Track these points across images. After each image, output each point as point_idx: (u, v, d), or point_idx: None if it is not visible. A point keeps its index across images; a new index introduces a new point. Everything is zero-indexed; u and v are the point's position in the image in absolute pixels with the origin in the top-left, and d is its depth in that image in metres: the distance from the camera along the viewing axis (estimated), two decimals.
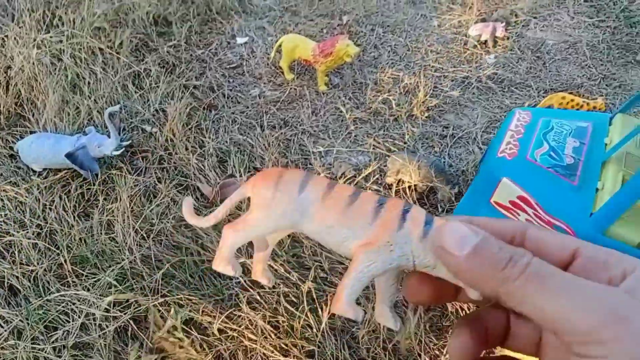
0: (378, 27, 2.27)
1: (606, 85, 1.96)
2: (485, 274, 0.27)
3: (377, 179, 1.61)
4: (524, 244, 0.30)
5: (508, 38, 2.20)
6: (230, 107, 1.84)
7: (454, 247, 0.28)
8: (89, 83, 1.82)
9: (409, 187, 1.54)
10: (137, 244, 1.37)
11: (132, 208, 1.44)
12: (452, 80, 2.01)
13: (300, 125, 1.78)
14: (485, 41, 2.17)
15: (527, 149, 1.10)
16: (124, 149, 1.53)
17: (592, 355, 0.25)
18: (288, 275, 1.28)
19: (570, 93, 1.92)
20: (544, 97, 1.90)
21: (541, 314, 0.26)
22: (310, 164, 1.61)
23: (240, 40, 2.16)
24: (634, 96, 1.14)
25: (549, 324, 0.26)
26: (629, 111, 1.22)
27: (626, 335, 0.24)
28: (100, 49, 1.97)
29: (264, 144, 1.66)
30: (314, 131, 1.77)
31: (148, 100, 1.81)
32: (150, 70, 1.91)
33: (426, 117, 1.85)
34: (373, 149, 1.71)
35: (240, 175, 1.53)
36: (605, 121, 1.17)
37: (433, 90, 1.96)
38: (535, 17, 2.30)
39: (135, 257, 1.33)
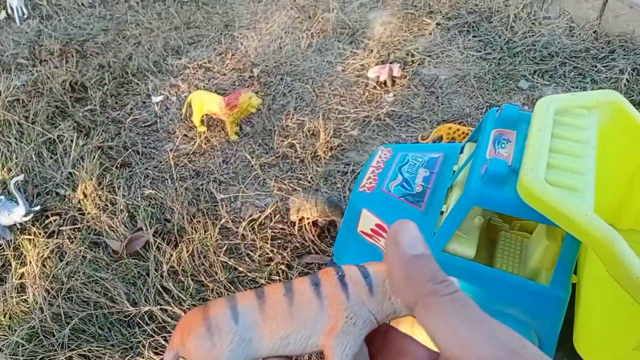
0: (287, 76, 2.44)
1: None
2: (419, 279, 0.28)
3: (282, 217, 1.73)
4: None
5: (405, 77, 2.40)
6: (143, 164, 1.95)
7: (406, 244, 0.29)
8: (3, 153, 1.90)
9: (310, 223, 1.66)
10: (48, 303, 1.44)
11: (43, 269, 1.52)
12: (354, 121, 2.18)
13: (210, 175, 1.91)
14: (385, 81, 2.36)
15: (384, 182, 1.24)
16: (33, 214, 1.61)
17: None
18: None
19: (460, 123, 2.11)
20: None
21: (450, 334, 0.26)
22: (216, 210, 1.73)
23: (155, 99, 2.29)
24: (477, 127, 1.31)
25: (454, 348, 0.26)
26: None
27: None
28: (15, 120, 2.06)
29: (174, 196, 1.77)
30: (224, 179, 1.90)
31: (62, 164, 1.90)
32: (64, 137, 2.01)
33: (329, 156, 2.00)
34: (279, 190, 1.84)
35: (149, 228, 1.63)
36: (456, 150, 1.34)
37: (336, 131, 2.12)
38: (429, 56, 2.52)
39: (45, 315, 1.40)
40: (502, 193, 1.02)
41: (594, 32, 2.42)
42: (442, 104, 2.25)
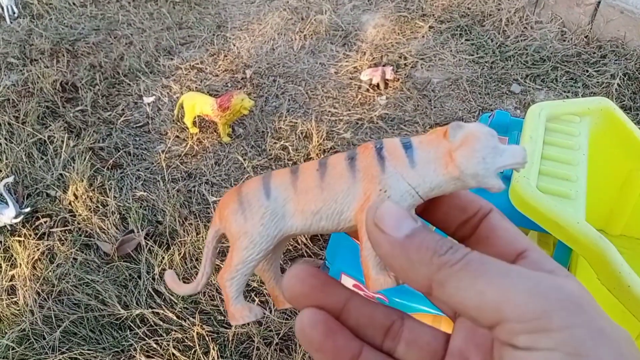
0: (279, 78, 2.44)
1: None
2: (422, 258, 0.24)
3: None
4: (479, 226, 0.29)
5: (398, 80, 2.40)
6: (135, 165, 1.94)
7: (391, 227, 0.25)
8: None
9: None
10: (38, 306, 1.43)
11: (33, 271, 1.50)
12: (347, 123, 2.19)
13: (202, 176, 1.90)
14: (377, 84, 2.37)
15: None
16: (24, 216, 1.60)
17: (535, 347, 0.22)
18: (182, 322, 1.37)
19: None
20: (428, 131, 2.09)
21: (479, 299, 0.22)
22: (208, 213, 1.72)
23: (147, 99, 2.28)
24: None
25: (488, 312, 0.22)
26: None
27: (578, 325, 0.21)
28: (5, 121, 2.04)
29: (165, 197, 1.76)
30: (216, 180, 1.89)
31: (53, 165, 1.88)
32: (55, 137, 1.99)
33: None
34: None
35: (141, 230, 1.62)
36: None
37: (329, 133, 2.12)
38: (422, 59, 2.53)
39: (36, 318, 1.39)
40: (494, 200, 1.02)
41: (585, 37, 2.44)
42: (434, 108, 2.26)
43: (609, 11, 2.34)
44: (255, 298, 1.46)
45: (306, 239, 1.63)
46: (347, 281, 1.20)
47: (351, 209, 0.28)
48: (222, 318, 1.41)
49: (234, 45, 2.68)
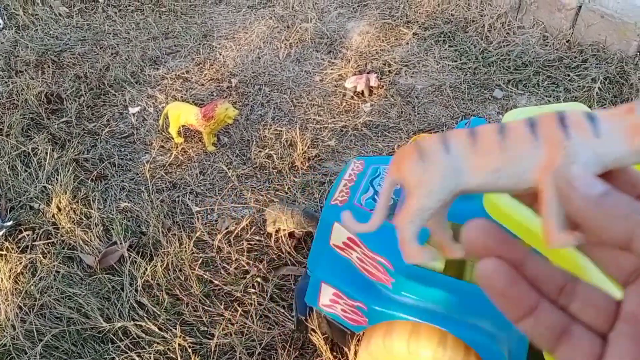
0: (265, 86, 2.45)
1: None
2: (620, 214, 0.25)
3: (259, 229, 1.73)
4: None
5: (382, 87, 2.42)
6: (119, 176, 1.94)
7: (586, 186, 0.27)
8: None
9: (286, 234, 1.67)
10: (20, 320, 1.42)
11: (15, 285, 1.50)
12: (332, 131, 2.20)
13: (187, 186, 1.90)
14: (362, 91, 2.38)
15: (356, 195, 1.25)
16: (6, 229, 1.60)
17: None
18: (165, 334, 1.37)
19: (435, 132, 2.14)
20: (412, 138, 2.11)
21: None
22: (192, 223, 1.73)
23: (132, 110, 2.28)
24: None
25: None
26: None
27: None
28: None
29: (149, 208, 1.77)
30: (201, 190, 1.90)
31: (36, 177, 1.88)
32: (39, 149, 1.99)
33: (307, 167, 2.01)
34: (256, 202, 1.84)
35: (124, 242, 1.62)
36: None
37: (314, 141, 2.13)
38: (406, 65, 2.55)
39: (17, 332, 1.39)
40: (469, 207, 1.03)
41: (567, 42, 2.47)
42: (418, 114, 2.28)
43: (590, 16, 2.36)
44: (238, 308, 1.47)
45: (290, 247, 1.64)
46: (328, 290, 1.21)
47: (532, 171, 0.30)
48: (205, 329, 1.41)
49: (220, 54, 2.69)
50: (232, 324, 1.41)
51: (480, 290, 1.03)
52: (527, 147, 0.30)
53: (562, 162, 0.29)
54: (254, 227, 1.73)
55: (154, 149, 2.07)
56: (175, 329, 1.39)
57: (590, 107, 2.17)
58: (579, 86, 2.26)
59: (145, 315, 1.43)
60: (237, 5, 3.15)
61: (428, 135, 0.33)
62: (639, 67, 2.24)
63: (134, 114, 2.25)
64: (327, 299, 1.22)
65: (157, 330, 1.37)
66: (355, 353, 1.25)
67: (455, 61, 2.53)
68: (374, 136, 2.17)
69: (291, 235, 1.66)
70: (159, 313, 1.42)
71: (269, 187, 1.92)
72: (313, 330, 1.27)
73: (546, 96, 2.27)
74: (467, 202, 1.07)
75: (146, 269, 1.51)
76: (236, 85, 2.45)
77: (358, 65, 2.56)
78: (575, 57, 2.38)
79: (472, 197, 1.06)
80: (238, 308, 1.45)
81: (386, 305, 1.14)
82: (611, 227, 0.26)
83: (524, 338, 1.08)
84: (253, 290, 1.53)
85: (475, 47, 2.58)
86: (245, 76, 2.52)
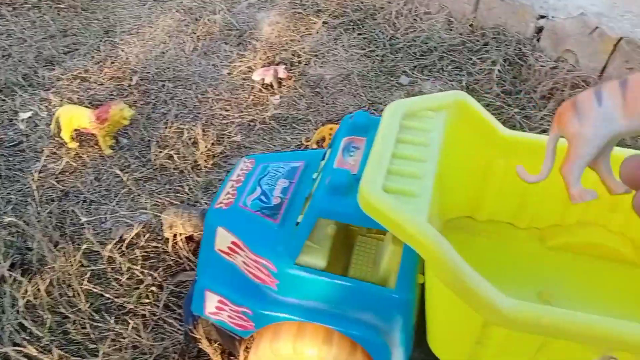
0: (168, 83, 2.35)
1: (374, 109, 2.19)
2: None
3: (157, 235, 1.66)
4: None
5: (291, 78, 2.37)
6: (6, 188, 1.80)
7: None
8: None
9: (185, 238, 1.60)
10: None
11: None
12: (239, 125, 2.13)
13: (80, 194, 1.79)
14: (271, 84, 2.32)
15: (242, 196, 1.20)
16: None
17: None
18: (46, 357, 1.28)
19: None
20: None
21: None
22: (82, 234, 1.63)
23: (22, 115, 2.13)
24: (335, 134, 1.29)
25: None
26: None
27: None
28: None
29: (36, 221, 1.65)
30: (95, 198, 1.79)
31: None
32: None
33: (211, 164, 1.94)
34: (155, 206, 1.76)
35: (5, 260, 1.51)
36: (319, 157, 1.32)
37: (219, 137, 2.06)
38: (315, 55, 2.51)
39: None
40: (345, 204, 1.00)
41: (470, 26, 2.50)
42: (326, 104, 2.25)
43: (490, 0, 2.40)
44: (130, 320, 1.39)
45: (188, 252, 1.57)
46: (212, 297, 1.16)
47: None
48: (94, 346, 1.33)
49: (123, 51, 2.56)
50: (123, 338, 1.34)
51: (363, 285, 1.00)
52: None
53: None
54: (151, 234, 1.65)
55: (46, 157, 1.94)
56: (61, 349, 1.30)
57: (490, 88, 2.21)
58: (481, 69, 2.29)
59: (28, 338, 1.33)
60: None
61: (583, 92, 0.39)
62: (536, 48, 2.30)
63: (24, 120, 2.10)
64: (213, 306, 1.17)
65: (36, 353, 1.27)
66: (246, 359, 1.21)
67: (364, 49, 2.52)
68: (283, 129, 2.13)
69: (190, 239, 1.60)
70: (42, 335, 1.33)
71: (170, 188, 1.84)
72: (203, 338, 1.21)
73: (450, 80, 2.29)
74: (341, 198, 1.04)
75: (27, 288, 1.40)
76: (137, 83, 2.33)
77: (267, 57, 2.50)
78: (478, 41, 2.42)
79: (345, 193, 1.03)
80: (130, 321, 1.38)
81: (271, 307, 1.10)
82: None
83: (406, 327, 1.07)
84: (147, 301, 1.46)
85: (383, 34, 2.58)
86: (148, 73, 2.41)
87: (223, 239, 1.15)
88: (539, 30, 2.30)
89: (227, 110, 2.20)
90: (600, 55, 2.14)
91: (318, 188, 1.04)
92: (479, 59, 2.33)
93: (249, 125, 2.14)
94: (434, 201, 1.24)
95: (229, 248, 1.16)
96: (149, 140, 2.03)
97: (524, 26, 2.33)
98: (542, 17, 2.26)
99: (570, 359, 0.99)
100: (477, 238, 1.41)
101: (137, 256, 1.55)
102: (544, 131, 2.05)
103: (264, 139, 2.08)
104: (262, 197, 1.19)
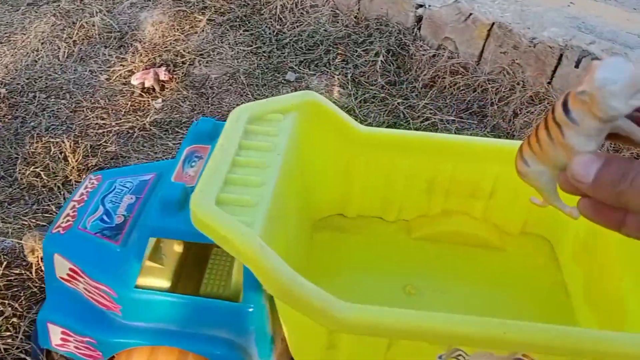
0: (40, 93, 2.20)
1: None
2: (607, 196, 0.32)
3: (22, 261, 1.54)
4: None
5: (174, 80, 2.28)
6: None
7: (582, 175, 0.34)
8: None
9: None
10: None
11: None
12: (116, 134, 2.02)
13: None
14: (153, 87, 2.22)
15: (82, 218, 1.12)
16: None
17: None
18: None
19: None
20: None
21: None
22: None
23: None
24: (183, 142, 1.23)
25: None
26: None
27: None
28: None
29: None
30: None
31: None
32: None
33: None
34: (19, 229, 1.63)
35: None
36: (173, 167, 1.25)
37: (94, 148, 1.94)
38: (201, 55, 2.43)
39: None
40: (177, 221, 0.95)
41: (355, 17, 2.50)
42: (212, 105, 2.18)
43: None
44: None
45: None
46: (55, 329, 1.08)
47: None
48: None
49: None
50: None
51: (209, 302, 0.93)
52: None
53: None
54: (15, 260, 1.53)
55: None
56: None
57: (375, 80, 2.22)
58: (365, 61, 2.29)
59: None
60: (15, 4, 2.80)
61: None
62: (417, 37, 2.33)
63: None
64: (58, 338, 1.08)
65: None
66: None
67: (251, 46, 2.46)
68: (164, 135, 2.04)
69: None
70: None
71: (38, 209, 1.71)
72: None
73: (336, 74, 2.28)
74: (174, 214, 0.99)
75: None
76: (5, 96, 2.17)
77: (149, 59, 2.39)
78: (362, 32, 2.42)
79: (178, 209, 0.98)
80: None
81: (116, 334, 1.03)
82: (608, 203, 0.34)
83: (262, 339, 1.04)
84: (7, 333, 1.35)
85: (269, 30, 2.53)
86: (18, 84, 2.24)
87: (61, 266, 1.07)
88: (419, 19, 2.33)
89: (103, 119, 2.08)
90: (476, 41, 2.19)
91: (149, 205, 0.99)
92: (363, 50, 2.34)
93: (128, 132, 2.03)
94: (292, 205, 1.22)
95: (69, 275, 1.08)
96: (16, 158, 1.89)
97: (405, 16, 2.35)
98: (420, 6, 2.29)
99: (420, 354, 0.99)
100: (348, 235, 1.40)
101: None
102: (427, 119, 2.09)
103: (144, 147, 1.98)
104: (105, 217, 1.12)
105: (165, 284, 1.02)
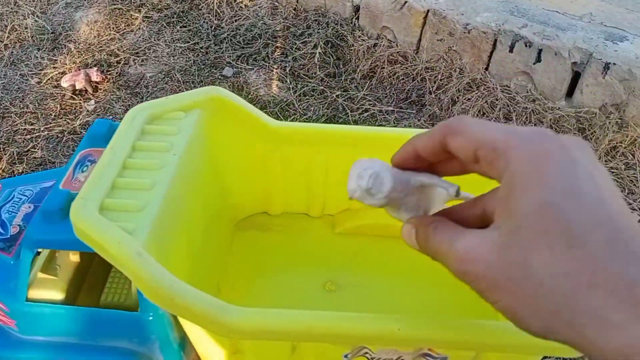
0: None
1: None
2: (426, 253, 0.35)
3: None
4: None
5: (108, 80, 2.21)
6: None
7: (407, 241, 0.38)
8: None
9: None
10: None
11: None
12: (45, 139, 1.95)
13: None
14: (84, 89, 2.15)
15: None
16: None
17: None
18: None
19: None
20: None
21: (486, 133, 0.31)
22: None
23: None
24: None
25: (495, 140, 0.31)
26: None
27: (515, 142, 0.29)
28: None
29: None
30: None
31: None
32: None
33: None
34: None
35: None
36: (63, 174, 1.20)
37: (20, 155, 1.87)
38: (136, 53, 2.36)
39: None
40: (61, 231, 0.91)
41: (294, 10, 2.46)
42: None
43: None
44: None
45: None
46: None
47: None
48: None
49: None
50: None
51: (111, 313, 0.87)
52: None
53: None
54: None
55: None
56: None
57: (314, 73, 2.18)
58: (305, 53, 2.26)
59: None
60: None
61: None
62: (355, 27, 2.30)
63: None
64: None
65: None
66: None
67: (188, 42, 2.41)
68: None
69: None
70: None
71: None
72: None
73: (275, 68, 2.24)
74: (56, 224, 0.94)
75: None
76: None
77: (81, 60, 2.32)
78: (301, 25, 2.38)
79: (62, 218, 0.93)
80: None
81: (14, 350, 0.99)
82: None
83: (166, 345, 1.00)
84: None
85: (207, 25, 2.47)
86: None
87: None
88: (357, 9, 2.30)
89: (32, 124, 2.01)
90: (413, 29, 2.17)
91: (35, 215, 0.94)
92: (302, 43, 2.30)
93: (57, 137, 1.97)
94: (199, 206, 1.17)
95: None
96: None
97: (342, 6, 2.32)
98: None
99: (325, 354, 0.97)
100: (272, 234, 1.36)
101: None
102: (366, 111, 2.06)
103: (73, 151, 1.91)
104: (0, 228, 1.06)
105: (59, 295, 0.97)
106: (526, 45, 1.91)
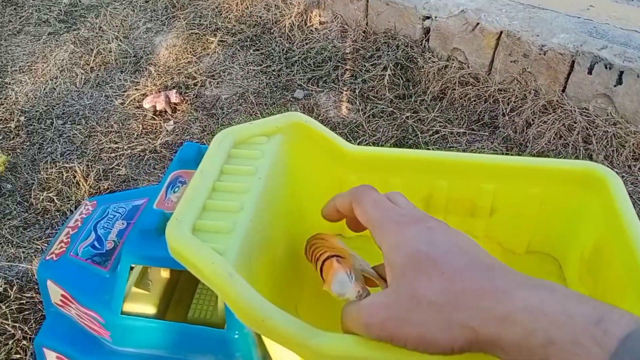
0: (57, 120, 2.27)
1: None
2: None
3: (35, 284, 1.58)
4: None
5: (186, 102, 2.32)
6: None
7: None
8: None
9: None
10: None
11: None
12: (128, 157, 2.07)
13: None
14: (165, 110, 2.27)
15: (74, 244, 1.15)
16: None
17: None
18: None
19: None
20: None
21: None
22: None
23: None
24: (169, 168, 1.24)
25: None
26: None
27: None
28: None
29: None
30: None
31: None
32: None
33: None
34: (35, 252, 1.68)
35: None
36: (156, 194, 1.27)
37: (106, 172, 1.99)
38: (212, 76, 2.46)
39: None
40: (156, 249, 0.96)
41: (363, 32, 2.50)
42: (222, 125, 2.20)
43: (377, 4, 2.40)
44: None
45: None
46: (51, 354, 1.10)
47: None
48: None
49: (13, 91, 2.47)
50: None
51: (199, 330, 0.97)
52: None
53: None
54: (26, 284, 1.58)
55: None
56: None
57: (384, 95, 2.20)
58: (374, 75, 2.28)
59: None
60: (37, 34, 2.92)
61: None
62: (426, 49, 2.30)
63: None
64: None
65: None
66: None
67: (260, 65, 2.49)
68: (174, 156, 2.07)
69: None
70: None
71: (51, 233, 1.76)
72: None
73: (345, 90, 2.27)
74: (152, 242, 1.00)
75: None
76: (24, 123, 2.25)
77: (161, 82, 2.45)
78: (370, 47, 2.41)
79: (157, 236, 0.99)
80: None
81: (107, 359, 1.05)
82: None
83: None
84: (17, 356, 1.39)
85: (279, 48, 2.55)
86: (36, 111, 2.32)
87: (54, 292, 1.10)
88: (427, 31, 2.30)
89: (116, 143, 2.14)
90: (485, 51, 2.15)
91: (131, 232, 1.00)
92: (371, 65, 2.33)
93: (139, 155, 2.08)
94: (280, 230, 1.21)
95: (61, 301, 1.10)
96: (32, 183, 1.96)
97: (412, 28, 2.33)
98: (427, 17, 2.27)
99: None
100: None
101: (9, 310, 1.48)
102: (437, 132, 2.06)
103: (155, 169, 2.02)
104: (96, 243, 1.14)
105: (152, 309, 1.03)
106: (606, 67, 1.85)
